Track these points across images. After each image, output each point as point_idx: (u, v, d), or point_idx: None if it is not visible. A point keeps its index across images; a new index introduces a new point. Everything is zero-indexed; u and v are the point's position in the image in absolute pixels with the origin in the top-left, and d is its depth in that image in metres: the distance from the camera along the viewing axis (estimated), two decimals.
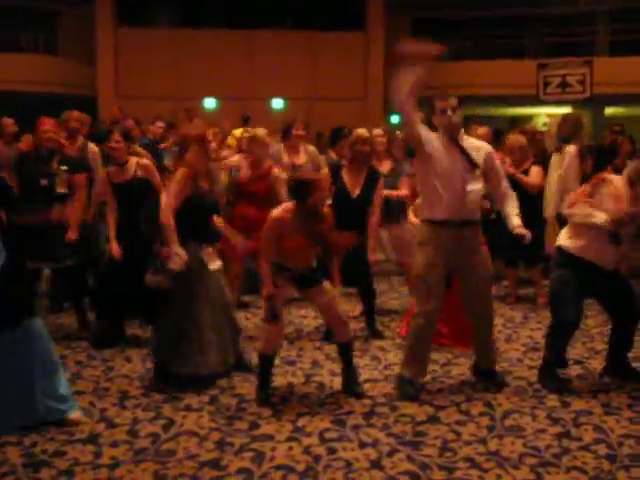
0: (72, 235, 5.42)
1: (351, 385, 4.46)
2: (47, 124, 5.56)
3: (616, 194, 4.33)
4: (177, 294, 4.53)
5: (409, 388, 4.37)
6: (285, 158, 6.62)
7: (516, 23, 18.12)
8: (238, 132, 8.15)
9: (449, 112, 4.30)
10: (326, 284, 4.38)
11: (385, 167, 6.02)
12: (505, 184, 4.51)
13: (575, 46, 17.55)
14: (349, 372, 4.50)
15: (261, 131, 6.09)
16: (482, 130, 7.24)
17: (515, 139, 6.77)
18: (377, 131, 6.15)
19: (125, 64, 17.40)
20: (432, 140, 4.30)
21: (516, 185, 6.18)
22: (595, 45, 18.19)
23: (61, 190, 5.40)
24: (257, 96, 17.15)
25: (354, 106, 17.38)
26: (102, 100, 17.09)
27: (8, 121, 7.08)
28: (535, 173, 6.59)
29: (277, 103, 17.65)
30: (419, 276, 4.38)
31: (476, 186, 4.32)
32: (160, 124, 9.14)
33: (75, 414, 3.99)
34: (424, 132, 4.31)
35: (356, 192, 5.48)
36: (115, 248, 5.27)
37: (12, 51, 16.33)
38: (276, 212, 4.21)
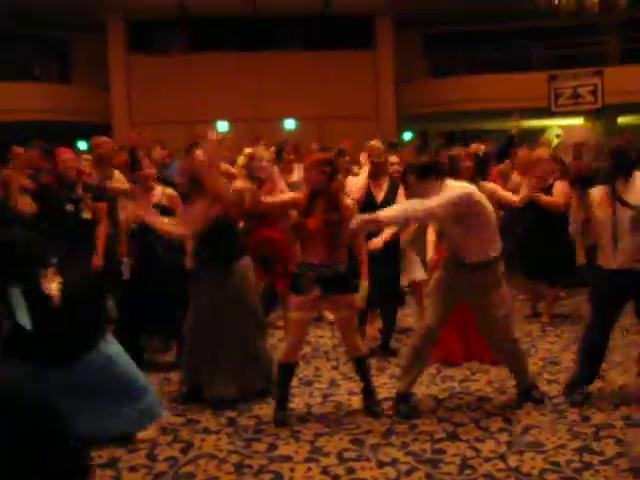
0: (97, 261, 5.44)
1: (371, 406, 4.45)
2: (66, 153, 5.63)
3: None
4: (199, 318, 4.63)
5: (403, 407, 4.38)
6: (279, 180, 6.61)
7: (526, 35, 18.14)
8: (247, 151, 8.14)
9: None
10: (353, 297, 4.37)
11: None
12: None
13: (585, 57, 17.51)
14: (368, 391, 4.50)
15: (259, 149, 6.18)
16: (475, 147, 7.17)
17: (525, 155, 6.68)
18: (393, 158, 6.23)
19: (138, 90, 17.59)
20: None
21: (533, 205, 6.16)
22: (605, 55, 18.15)
23: (87, 216, 5.47)
24: (269, 117, 17.27)
25: (366, 124, 17.43)
26: (116, 127, 17.27)
27: (19, 150, 7.15)
28: (559, 190, 6.33)
29: (289, 124, 17.74)
30: (431, 291, 4.43)
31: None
32: (159, 150, 9.15)
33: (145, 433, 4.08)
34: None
35: (380, 198, 5.58)
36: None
37: (26, 80, 16.55)
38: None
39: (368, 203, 5.43)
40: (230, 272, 4.65)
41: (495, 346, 4.54)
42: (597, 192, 4.44)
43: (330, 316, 5.63)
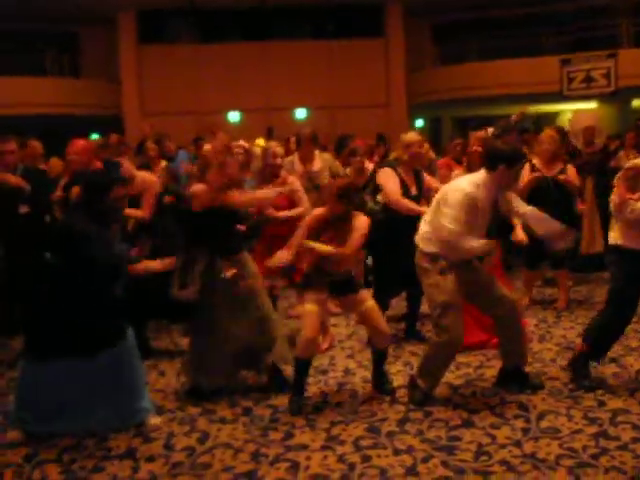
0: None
1: (383, 384, 4.61)
2: (76, 146, 5.63)
3: None
4: (204, 309, 4.60)
5: (418, 393, 4.37)
6: (299, 167, 6.60)
7: (537, 20, 17.99)
8: (261, 142, 8.16)
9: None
10: (364, 292, 4.49)
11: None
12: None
13: (598, 40, 17.34)
14: (380, 373, 4.65)
15: (273, 145, 6.14)
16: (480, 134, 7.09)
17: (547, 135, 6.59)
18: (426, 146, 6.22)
19: (149, 82, 17.61)
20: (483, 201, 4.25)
21: (548, 188, 6.16)
22: (618, 37, 17.97)
23: None
24: (280, 107, 17.26)
25: (377, 113, 17.40)
26: (128, 119, 17.31)
27: (36, 143, 7.18)
28: (573, 173, 6.42)
29: (300, 113, 17.72)
30: (445, 303, 4.26)
31: None
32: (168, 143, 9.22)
33: (155, 419, 4.18)
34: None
35: (413, 190, 5.52)
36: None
37: (37, 75, 16.61)
38: (317, 210, 4.50)
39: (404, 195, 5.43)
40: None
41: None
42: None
43: (335, 307, 5.57)
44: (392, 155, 5.89)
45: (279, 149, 6.01)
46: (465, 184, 4.24)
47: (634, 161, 4.51)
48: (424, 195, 5.58)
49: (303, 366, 4.40)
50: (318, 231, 4.40)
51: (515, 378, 4.52)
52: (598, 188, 7.58)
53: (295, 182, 5.93)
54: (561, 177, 6.28)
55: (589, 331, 4.62)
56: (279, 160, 5.85)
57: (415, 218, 4.92)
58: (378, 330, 4.49)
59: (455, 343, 4.29)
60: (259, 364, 4.72)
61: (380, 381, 4.62)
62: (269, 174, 5.83)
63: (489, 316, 4.63)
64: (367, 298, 4.48)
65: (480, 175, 4.27)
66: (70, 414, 4.01)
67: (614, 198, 4.38)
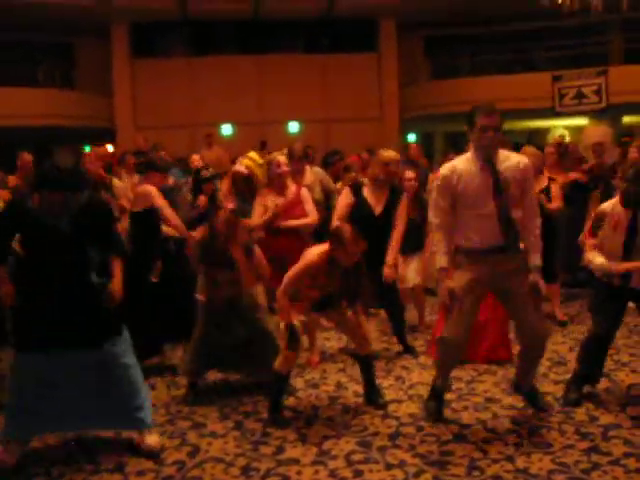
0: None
1: (374, 397, 4.59)
2: (87, 155, 5.67)
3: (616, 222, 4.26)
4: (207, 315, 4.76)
5: (432, 403, 4.33)
6: (289, 182, 6.57)
7: (528, 37, 18.13)
8: (254, 155, 8.07)
9: (490, 133, 3.90)
10: (343, 304, 4.49)
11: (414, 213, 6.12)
12: (532, 202, 4.15)
13: (588, 57, 17.48)
14: (371, 386, 4.64)
15: (276, 154, 6.10)
16: None
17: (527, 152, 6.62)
18: (409, 174, 6.24)
19: (142, 95, 17.61)
20: (460, 173, 4.03)
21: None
22: (609, 54, 18.13)
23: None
24: (273, 120, 17.28)
25: (370, 126, 17.44)
26: (120, 132, 17.30)
27: (27, 156, 7.17)
28: (556, 194, 6.31)
29: (293, 127, 17.75)
30: (452, 299, 4.07)
31: (518, 212, 4.05)
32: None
33: (152, 437, 4.02)
34: (451, 181, 4.05)
35: (379, 210, 5.48)
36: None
37: (29, 86, 16.58)
38: (314, 257, 4.30)
39: (364, 216, 5.37)
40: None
41: (524, 335, 4.21)
42: (612, 207, 4.32)
43: (327, 322, 5.54)
44: (368, 172, 5.87)
45: (282, 158, 5.97)
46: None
47: (601, 206, 4.49)
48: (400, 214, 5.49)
49: (282, 381, 4.39)
50: (316, 276, 4.32)
51: (527, 395, 4.44)
52: (602, 201, 7.65)
53: (304, 193, 5.91)
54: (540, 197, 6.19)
55: (580, 351, 4.61)
56: (284, 168, 5.80)
57: (380, 239, 5.11)
58: (359, 334, 4.51)
59: (448, 342, 4.15)
60: (253, 365, 4.79)
61: (372, 394, 4.61)
62: (277, 184, 5.80)
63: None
64: (345, 309, 4.50)
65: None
66: (58, 412, 3.86)
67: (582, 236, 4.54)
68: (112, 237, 4.00)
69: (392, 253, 5.40)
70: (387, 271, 5.34)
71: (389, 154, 5.56)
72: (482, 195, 3.97)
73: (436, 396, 4.35)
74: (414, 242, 6.27)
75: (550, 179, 6.43)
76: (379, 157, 5.57)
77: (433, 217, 4.16)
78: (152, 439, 3.99)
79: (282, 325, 4.33)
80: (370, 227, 5.02)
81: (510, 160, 4.05)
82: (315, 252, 4.34)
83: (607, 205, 4.39)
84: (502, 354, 5.37)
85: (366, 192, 5.54)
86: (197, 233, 5.45)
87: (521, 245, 4.13)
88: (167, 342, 5.70)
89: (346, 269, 4.30)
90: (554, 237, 6.25)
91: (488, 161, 3.97)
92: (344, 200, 5.54)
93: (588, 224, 4.59)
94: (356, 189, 5.60)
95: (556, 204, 6.25)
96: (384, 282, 5.35)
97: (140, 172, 7.44)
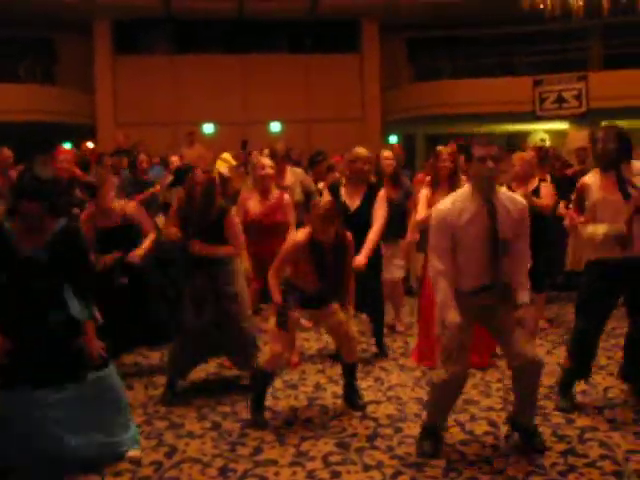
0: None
1: (354, 399, 4.59)
2: (61, 154, 5.57)
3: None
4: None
5: (427, 443, 3.87)
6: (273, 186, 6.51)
7: (510, 40, 18.25)
8: (227, 156, 7.96)
9: (490, 163, 3.64)
10: (335, 305, 4.43)
11: (394, 194, 6.10)
12: (525, 246, 3.87)
13: (569, 62, 17.63)
14: (351, 389, 4.63)
15: (256, 154, 6.08)
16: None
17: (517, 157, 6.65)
18: (386, 153, 6.20)
19: (123, 92, 17.48)
20: (460, 210, 3.71)
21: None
22: (589, 60, 18.30)
23: None
24: (255, 120, 17.24)
25: (352, 127, 17.45)
26: (101, 128, 17.18)
27: (6, 151, 7.08)
28: (546, 193, 6.24)
29: (275, 126, 17.72)
30: (447, 336, 3.74)
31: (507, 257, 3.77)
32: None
33: (134, 452, 3.92)
34: (454, 221, 3.70)
35: (353, 207, 5.47)
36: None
37: (10, 81, 16.41)
38: (299, 236, 4.33)
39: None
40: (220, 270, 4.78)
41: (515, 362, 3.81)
42: (595, 178, 4.36)
43: (306, 323, 5.47)
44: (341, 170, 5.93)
45: (266, 160, 5.92)
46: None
47: (582, 179, 4.51)
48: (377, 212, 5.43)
49: (266, 378, 4.38)
50: (297, 260, 4.31)
51: (522, 432, 3.96)
52: None
53: (285, 196, 5.85)
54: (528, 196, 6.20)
55: (569, 345, 4.61)
56: (268, 170, 5.70)
57: (356, 237, 4.90)
58: (347, 343, 4.48)
59: (450, 382, 3.79)
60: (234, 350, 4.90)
61: (351, 396, 4.61)
62: (261, 187, 5.74)
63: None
64: (337, 310, 4.44)
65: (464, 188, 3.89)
66: (35, 444, 3.67)
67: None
68: (85, 269, 3.88)
69: (366, 248, 5.19)
70: (358, 259, 5.02)
71: (356, 151, 5.56)
72: (479, 235, 3.69)
73: (431, 434, 3.91)
74: (396, 228, 6.22)
75: (540, 180, 6.44)
76: (347, 155, 5.64)
77: (437, 262, 3.72)
78: (134, 452, 3.91)
79: (271, 321, 4.31)
80: (346, 224, 5.02)
81: (508, 199, 3.79)
82: (298, 233, 4.41)
83: (587, 177, 4.43)
84: (475, 360, 5.05)
85: (343, 191, 5.55)
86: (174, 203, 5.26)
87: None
88: (140, 345, 5.62)
89: (331, 255, 4.28)
90: (543, 238, 6.26)
91: (487, 201, 3.70)
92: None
93: (573, 203, 4.55)
94: (333, 188, 5.62)
95: (546, 201, 6.23)
96: (367, 285, 5.29)
97: (117, 174, 7.39)
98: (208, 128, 17.31)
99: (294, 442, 4.03)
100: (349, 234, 4.42)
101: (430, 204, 5.26)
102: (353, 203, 5.48)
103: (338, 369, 4.95)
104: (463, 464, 3.70)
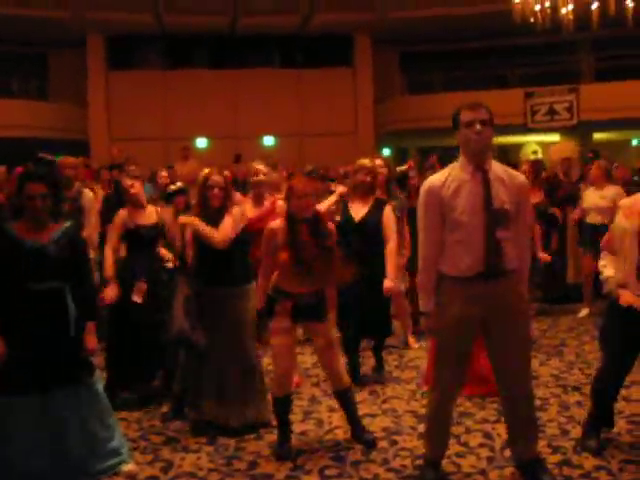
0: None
1: (360, 433, 4.21)
2: (65, 161, 5.59)
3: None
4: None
5: (429, 473, 3.65)
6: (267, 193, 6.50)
7: (501, 53, 18.39)
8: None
9: (478, 126, 3.42)
10: (327, 324, 4.20)
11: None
12: (526, 234, 3.62)
13: (560, 74, 17.78)
14: (353, 420, 4.24)
15: (256, 164, 6.04)
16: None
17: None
18: (378, 162, 6.22)
19: (116, 107, 17.54)
20: (451, 182, 3.44)
21: None
22: (580, 72, 18.46)
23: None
24: (248, 134, 17.31)
25: (345, 141, 17.52)
26: (94, 143, 17.20)
27: (1, 169, 7.10)
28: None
29: (268, 140, 17.78)
30: (441, 342, 3.58)
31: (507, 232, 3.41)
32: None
33: (128, 466, 3.90)
34: (440, 199, 3.43)
35: (359, 217, 5.42)
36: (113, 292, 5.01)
37: (3, 96, 16.44)
38: (272, 223, 4.21)
39: (346, 225, 5.35)
40: (236, 294, 4.53)
41: (506, 385, 3.58)
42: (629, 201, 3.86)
43: (300, 335, 5.38)
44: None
45: (261, 166, 5.87)
46: None
47: (622, 201, 4.04)
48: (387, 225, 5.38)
49: (283, 404, 4.12)
50: (276, 248, 4.09)
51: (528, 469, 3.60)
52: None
53: (279, 202, 5.82)
54: None
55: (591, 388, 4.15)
56: (261, 177, 5.63)
57: (362, 248, 5.03)
58: (332, 371, 4.18)
59: (442, 394, 3.63)
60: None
61: (356, 430, 4.22)
62: (254, 193, 5.72)
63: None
64: (327, 332, 4.16)
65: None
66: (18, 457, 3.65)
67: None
68: (85, 270, 3.91)
69: (389, 272, 5.16)
70: (387, 283, 5.11)
71: (359, 162, 5.59)
72: (470, 204, 3.37)
73: (432, 465, 3.67)
74: None
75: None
76: (354, 165, 5.65)
77: (426, 247, 3.48)
78: (129, 467, 3.90)
79: (272, 340, 4.12)
80: (352, 235, 5.20)
81: (505, 172, 3.50)
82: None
83: (628, 200, 3.91)
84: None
85: (349, 203, 5.55)
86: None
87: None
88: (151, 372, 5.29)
89: (307, 236, 4.05)
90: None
91: (479, 167, 3.41)
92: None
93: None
94: (344, 204, 5.63)
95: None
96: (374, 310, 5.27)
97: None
98: (201, 143, 17.37)
99: (290, 456, 4.03)
100: (331, 224, 4.31)
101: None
102: (358, 213, 5.46)
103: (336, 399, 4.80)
104: (459, 476, 3.70)
